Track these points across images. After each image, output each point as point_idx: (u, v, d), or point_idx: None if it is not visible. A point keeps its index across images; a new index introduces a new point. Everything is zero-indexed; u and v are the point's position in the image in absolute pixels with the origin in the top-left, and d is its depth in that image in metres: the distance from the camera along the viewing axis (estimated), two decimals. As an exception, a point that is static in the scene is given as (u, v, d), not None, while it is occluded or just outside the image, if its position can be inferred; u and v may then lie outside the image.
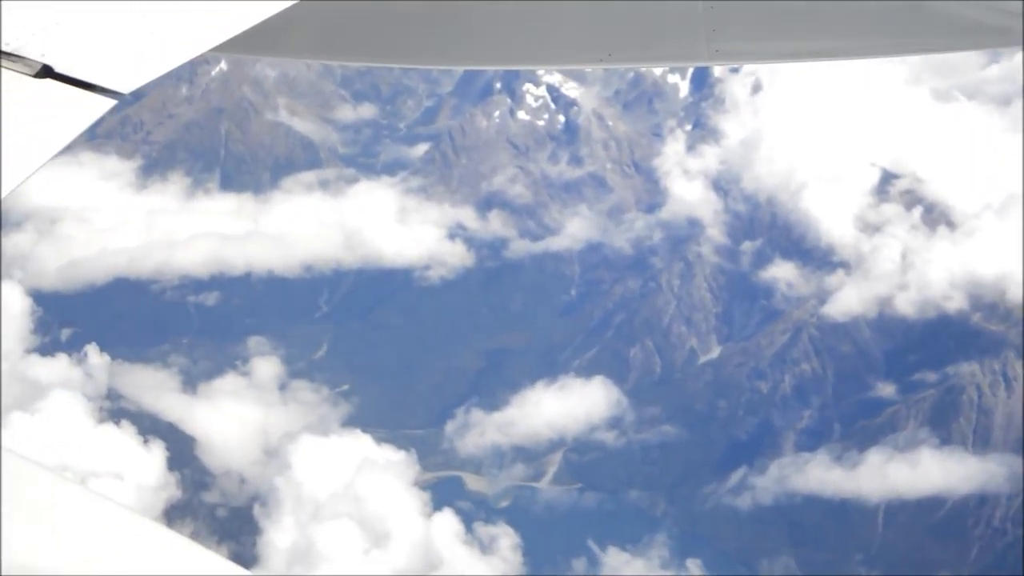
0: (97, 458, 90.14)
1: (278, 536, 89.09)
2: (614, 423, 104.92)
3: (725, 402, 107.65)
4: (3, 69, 6.13)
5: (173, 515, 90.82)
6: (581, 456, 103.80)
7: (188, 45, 6.87)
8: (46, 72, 6.19)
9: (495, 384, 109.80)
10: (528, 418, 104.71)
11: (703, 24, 8.84)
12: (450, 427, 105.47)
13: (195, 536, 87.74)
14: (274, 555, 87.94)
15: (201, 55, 7.01)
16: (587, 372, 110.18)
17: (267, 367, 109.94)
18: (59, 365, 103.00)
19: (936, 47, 9.25)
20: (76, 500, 4.52)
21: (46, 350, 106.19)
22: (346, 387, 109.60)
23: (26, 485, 4.48)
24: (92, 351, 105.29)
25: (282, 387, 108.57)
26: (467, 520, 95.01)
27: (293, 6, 7.57)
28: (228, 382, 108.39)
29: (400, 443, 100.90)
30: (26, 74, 6.15)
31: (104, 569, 4.30)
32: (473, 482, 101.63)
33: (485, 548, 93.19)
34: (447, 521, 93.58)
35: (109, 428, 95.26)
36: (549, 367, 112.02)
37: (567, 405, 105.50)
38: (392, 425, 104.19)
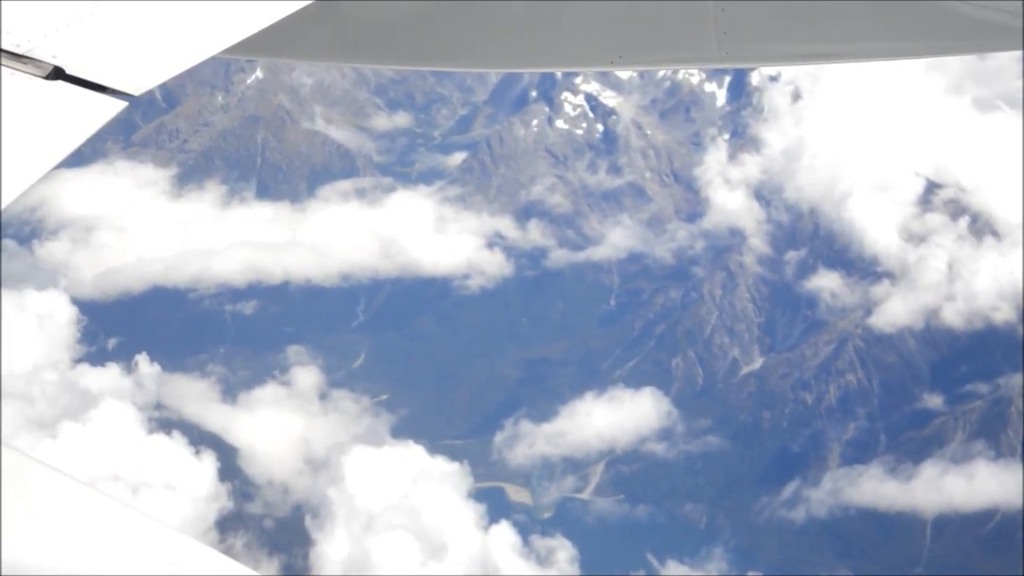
0: (148, 469, 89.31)
1: (330, 548, 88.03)
2: (664, 434, 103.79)
3: (769, 413, 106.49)
4: (15, 71, 6.12)
5: (226, 526, 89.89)
6: (631, 467, 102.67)
7: (199, 47, 6.91)
8: (57, 74, 6.19)
9: (536, 394, 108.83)
10: (578, 429, 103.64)
11: (714, 26, 8.87)
12: (499, 438, 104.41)
13: (247, 548, 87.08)
14: (327, 567, 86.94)
15: (212, 57, 7.04)
16: (629, 382, 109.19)
17: (307, 377, 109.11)
18: (110, 375, 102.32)
19: (938, 50, 9.29)
20: (75, 497, 4.46)
21: (93, 359, 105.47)
22: (385, 397, 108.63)
23: (25, 482, 4.42)
24: (142, 360, 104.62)
25: (323, 397, 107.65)
26: (523, 532, 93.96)
27: (304, 8, 7.61)
28: (268, 392, 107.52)
29: (452, 454, 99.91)
30: (37, 76, 6.14)
31: (104, 566, 4.25)
32: (515, 493, 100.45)
33: (542, 560, 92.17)
34: (504, 533, 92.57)
35: (160, 438, 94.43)
36: (590, 377, 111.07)
37: (616, 416, 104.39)
38: (438, 436, 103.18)
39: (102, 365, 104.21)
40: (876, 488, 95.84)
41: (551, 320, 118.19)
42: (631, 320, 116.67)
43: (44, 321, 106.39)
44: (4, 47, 6.27)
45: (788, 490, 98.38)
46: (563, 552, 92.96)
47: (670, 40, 9.22)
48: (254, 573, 4.50)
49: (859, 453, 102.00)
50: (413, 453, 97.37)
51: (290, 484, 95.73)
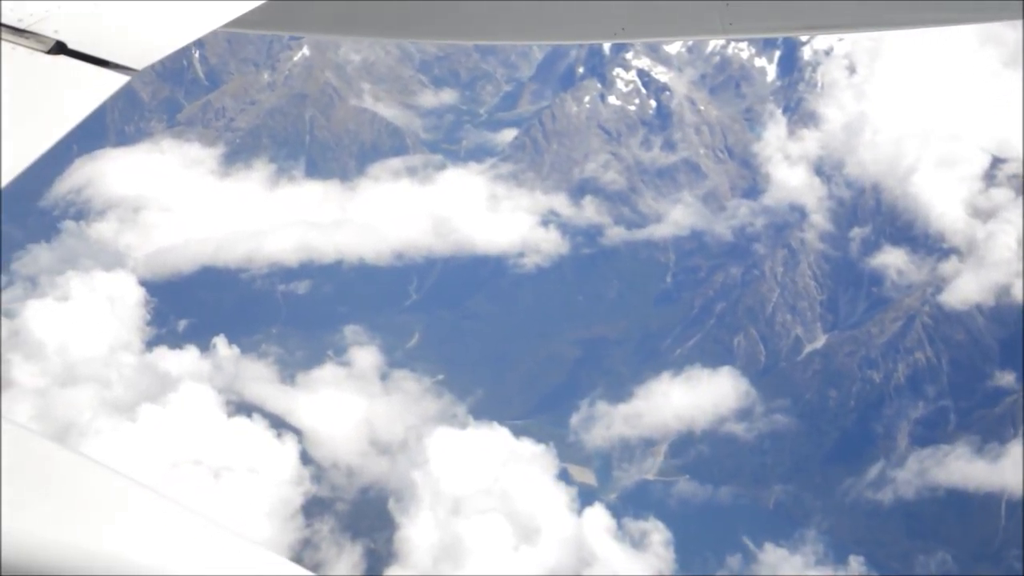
0: (230, 452, 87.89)
1: (415, 532, 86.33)
2: (741, 415, 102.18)
3: (836, 392, 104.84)
4: (17, 46, 6.04)
5: (312, 511, 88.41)
6: (709, 448, 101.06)
7: (201, 21, 6.87)
8: (60, 49, 6.12)
9: (597, 374, 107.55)
10: (655, 410, 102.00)
11: None
12: (575, 420, 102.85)
13: (333, 532, 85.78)
14: (414, 551, 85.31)
15: (215, 29, 6.99)
16: (689, 361, 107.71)
17: (367, 357, 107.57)
18: (188, 357, 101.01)
19: (937, 20, 8.96)
20: (77, 470, 4.43)
21: (165, 341, 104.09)
22: (441, 377, 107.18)
23: (27, 455, 4.38)
24: (220, 342, 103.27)
25: (384, 377, 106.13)
26: (617, 515, 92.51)
27: None
28: (328, 372, 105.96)
29: (537, 436, 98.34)
30: (40, 51, 6.07)
31: (107, 538, 4.26)
32: (578, 474, 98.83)
33: (636, 543, 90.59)
34: (597, 516, 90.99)
35: (241, 421, 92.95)
36: (649, 356, 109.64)
37: (693, 396, 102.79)
38: (503, 416, 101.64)
39: (179, 347, 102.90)
40: (963, 468, 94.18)
41: (607, 299, 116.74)
42: (689, 298, 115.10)
43: (115, 303, 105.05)
44: (6, 22, 6.15)
45: (873, 471, 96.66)
46: (657, 535, 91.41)
47: (673, 11, 9.09)
48: (254, 544, 4.37)
49: (929, 432, 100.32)
50: (498, 435, 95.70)
51: (363, 467, 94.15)
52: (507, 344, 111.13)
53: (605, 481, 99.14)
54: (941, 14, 8.74)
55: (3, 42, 6.09)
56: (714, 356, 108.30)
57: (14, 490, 4.27)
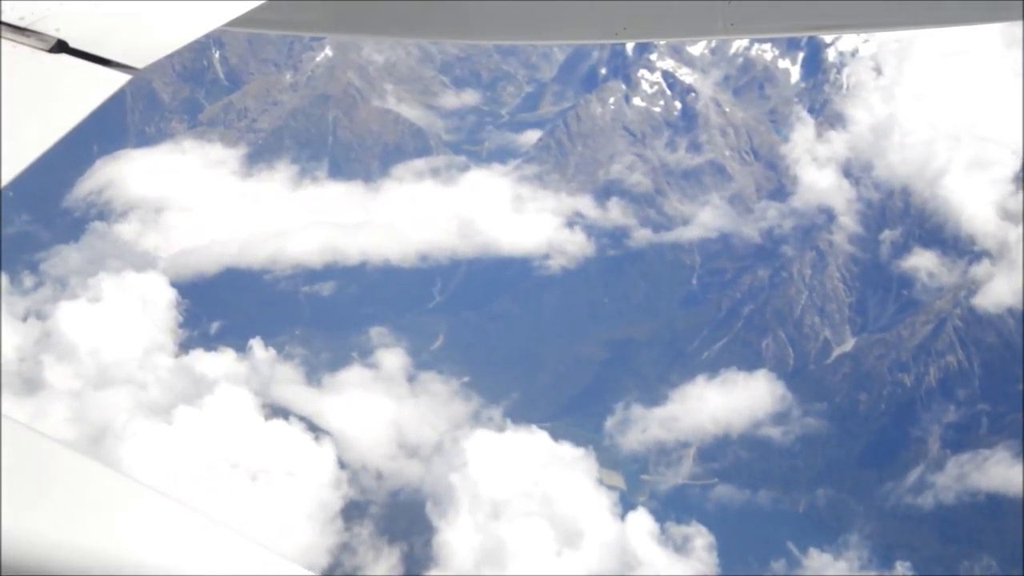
0: (267, 455, 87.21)
1: (454, 536, 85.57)
2: (778, 419, 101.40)
3: (866, 395, 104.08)
4: (18, 44, 6.02)
5: (351, 515, 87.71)
6: (748, 453, 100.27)
7: (202, 20, 6.86)
8: (61, 47, 6.11)
9: (623, 376, 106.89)
10: (691, 413, 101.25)
11: None
12: (610, 423, 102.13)
13: (371, 536, 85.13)
14: (454, 555, 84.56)
15: (217, 29, 7.00)
16: (718, 364, 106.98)
17: (393, 359, 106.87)
18: (224, 359, 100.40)
19: (938, 21, 9.00)
20: (78, 469, 4.42)
21: (198, 343, 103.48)
22: (467, 379, 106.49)
23: (27, 454, 4.39)
24: (256, 345, 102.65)
25: (411, 379, 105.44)
26: (659, 519, 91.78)
27: None
28: (354, 374, 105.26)
29: (577, 440, 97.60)
30: (41, 49, 6.06)
31: (107, 538, 4.25)
32: (606, 477, 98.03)
33: (679, 548, 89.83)
34: (641, 520, 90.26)
35: (278, 424, 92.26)
36: (677, 358, 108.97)
37: (729, 400, 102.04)
38: (535, 419, 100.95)
39: (214, 349, 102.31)
40: (1003, 473, 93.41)
41: (633, 301, 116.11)
42: (716, 300, 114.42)
43: (147, 304, 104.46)
44: (7, 20, 6.13)
45: (912, 476, 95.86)
46: (700, 539, 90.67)
47: (675, 11, 9.14)
48: (257, 544, 4.34)
49: (961, 436, 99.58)
50: (536, 438, 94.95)
51: (397, 470, 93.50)
52: (533, 346, 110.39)
53: (641, 485, 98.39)
54: (942, 14, 8.81)
55: (4, 40, 6.04)
56: (743, 359, 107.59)
57: (14, 489, 4.23)
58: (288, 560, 4.34)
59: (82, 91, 5.95)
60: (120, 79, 6.07)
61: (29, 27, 6.16)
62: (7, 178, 5.31)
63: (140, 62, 6.22)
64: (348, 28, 10.35)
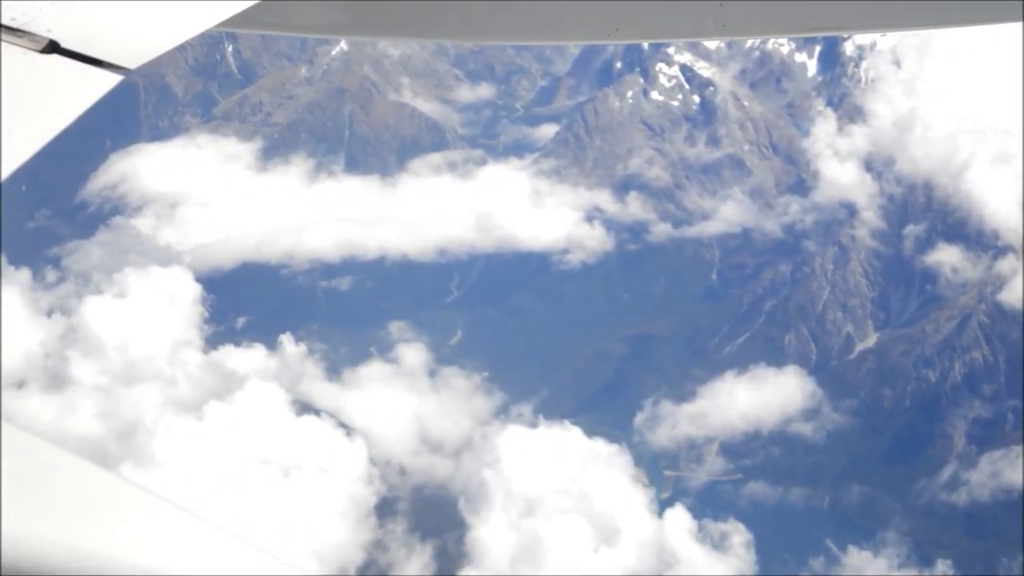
0: (299, 450, 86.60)
1: (489, 532, 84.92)
2: (808, 415, 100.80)
3: (890, 391, 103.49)
4: (10, 44, 6.01)
5: (384, 511, 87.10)
6: (778, 449, 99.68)
7: (195, 20, 6.87)
8: (53, 48, 6.10)
9: (642, 371, 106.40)
10: (721, 409, 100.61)
11: None
12: (639, 419, 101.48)
13: (404, 533, 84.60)
14: (487, 552, 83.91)
15: (211, 29, 6.97)
16: (741, 360, 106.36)
17: (414, 353, 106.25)
18: (255, 355, 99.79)
19: (937, 22, 9.00)
20: (77, 473, 4.38)
21: (224, 338, 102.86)
22: (486, 374, 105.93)
23: (26, 458, 4.36)
24: (287, 340, 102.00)
25: (432, 374, 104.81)
26: (697, 516, 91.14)
27: None
28: (375, 369, 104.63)
29: (611, 436, 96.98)
30: (32, 50, 6.05)
31: (107, 542, 4.21)
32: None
33: (717, 545, 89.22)
34: (678, 517, 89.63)
35: (310, 419, 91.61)
36: (698, 354, 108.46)
37: (759, 396, 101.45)
38: (557, 414, 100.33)
39: (244, 345, 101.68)
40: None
41: (653, 296, 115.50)
42: (737, 295, 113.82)
43: (174, 300, 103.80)
44: None
45: (946, 473, 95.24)
46: (738, 536, 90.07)
47: (666, 13, 9.14)
48: (254, 546, 4.30)
49: (987, 432, 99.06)
50: (570, 434, 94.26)
51: (425, 466, 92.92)
52: (553, 342, 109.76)
53: (673, 482, 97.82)
54: (940, 15, 8.76)
55: None
56: (765, 354, 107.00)
57: (14, 493, 4.15)
58: (286, 562, 4.21)
59: (74, 91, 5.93)
60: (112, 80, 6.05)
61: (21, 27, 6.11)
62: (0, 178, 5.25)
63: (133, 62, 6.21)
64: (348, 29, 10.50)
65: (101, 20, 6.49)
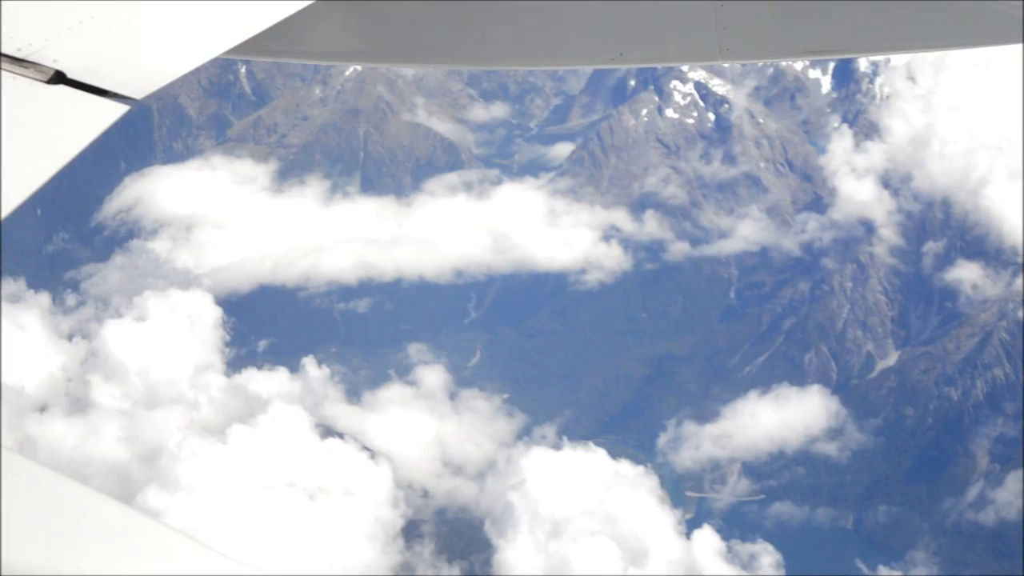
0: (324, 473, 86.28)
1: (516, 554, 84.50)
2: (831, 434, 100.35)
3: (912, 410, 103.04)
4: (16, 75, 6.04)
5: (411, 533, 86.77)
6: (802, 469, 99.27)
7: (200, 49, 6.90)
8: (59, 78, 6.14)
9: (665, 391, 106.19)
10: (744, 430, 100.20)
11: (713, 22, 9.02)
12: (663, 440, 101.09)
13: (432, 554, 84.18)
14: (515, 574, 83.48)
15: (215, 58, 7.01)
16: (761, 379, 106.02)
17: (433, 376, 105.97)
18: (278, 378, 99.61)
19: (938, 44, 9.14)
20: (76, 499, 4.41)
21: (246, 362, 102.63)
22: (506, 396, 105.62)
23: (26, 484, 4.38)
24: (309, 363, 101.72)
25: (452, 396, 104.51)
26: (725, 537, 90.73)
27: (306, 8, 7.65)
28: (395, 392, 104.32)
29: (635, 457, 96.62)
30: (39, 80, 6.08)
31: (104, 567, 4.21)
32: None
33: (746, 566, 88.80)
34: (707, 538, 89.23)
35: (334, 442, 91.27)
36: (718, 374, 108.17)
37: (782, 416, 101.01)
38: (579, 435, 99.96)
39: (265, 368, 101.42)
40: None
41: (672, 315, 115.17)
42: (755, 314, 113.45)
43: (194, 323, 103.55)
44: (5, 51, 6.13)
45: (972, 492, 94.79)
46: (767, 557, 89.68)
47: (670, 37, 9.40)
48: (255, 572, 4.34)
49: (1010, 450, 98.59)
50: (595, 456, 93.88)
51: (449, 488, 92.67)
52: (572, 362, 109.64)
53: (696, 503, 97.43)
54: (939, 39, 8.95)
55: (3, 72, 6.02)
56: (785, 373, 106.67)
57: (13, 519, 4.16)
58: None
59: (81, 122, 5.96)
60: (118, 110, 6.08)
61: (27, 58, 6.14)
62: (7, 210, 5.24)
63: (139, 92, 6.25)
64: (354, 56, 10.69)
65: (107, 50, 6.52)
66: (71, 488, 4.40)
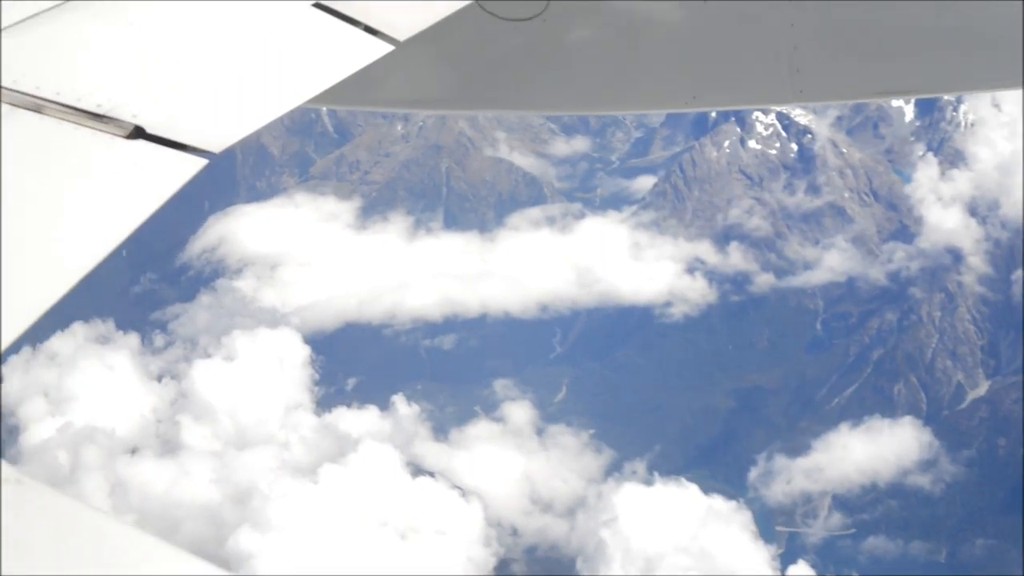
0: (415, 512, 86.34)
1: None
2: (924, 466, 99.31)
3: (1005, 440, 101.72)
4: (96, 131, 6.08)
5: (502, 572, 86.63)
6: (898, 502, 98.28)
7: (279, 102, 6.97)
8: (138, 133, 6.18)
9: (752, 425, 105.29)
10: (836, 463, 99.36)
11: (787, 65, 9.04)
12: (754, 474, 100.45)
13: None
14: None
15: (292, 110, 7.06)
16: (850, 411, 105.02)
17: (520, 412, 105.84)
18: (367, 416, 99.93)
19: (1013, 84, 8.99)
20: (80, 520, 4.30)
21: (336, 400, 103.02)
22: (593, 431, 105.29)
23: (28, 504, 4.28)
24: (399, 401, 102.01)
25: (539, 432, 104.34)
26: (820, 572, 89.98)
27: (384, 57, 7.64)
28: (482, 428, 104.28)
29: (727, 492, 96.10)
30: (118, 135, 6.12)
31: None
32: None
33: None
34: (801, 573, 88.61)
35: (425, 481, 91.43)
36: (807, 407, 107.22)
37: (875, 448, 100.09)
38: (669, 470, 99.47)
39: (355, 406, 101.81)
40: None
41: (758, 347, 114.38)
42: (843, 345, 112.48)
43: (283, 362, 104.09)
44: (84, 107, 6.17)
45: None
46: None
47: (744, 80, 9.42)
48: None
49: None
50: (687, 492, 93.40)
51: (539, 526, 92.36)
52: (658, 396, 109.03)
53: (786, 538, 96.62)
54: (1013, 78, 8.80)
55: (83, 128, 6.02)
56: (875, 405, 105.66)
57: (15, 540, 4.03)
58: None
59: (160, 177, 5.97)
60: (197, 164, 6.08)
61: (107, 114, 6.15)
62: (88, 267, 5.27)
63: (217, 147, 6.27)
64: (432, 104, 10.90)
65: (185, 105, 6.57)
66: (75, 508, 4.33)
